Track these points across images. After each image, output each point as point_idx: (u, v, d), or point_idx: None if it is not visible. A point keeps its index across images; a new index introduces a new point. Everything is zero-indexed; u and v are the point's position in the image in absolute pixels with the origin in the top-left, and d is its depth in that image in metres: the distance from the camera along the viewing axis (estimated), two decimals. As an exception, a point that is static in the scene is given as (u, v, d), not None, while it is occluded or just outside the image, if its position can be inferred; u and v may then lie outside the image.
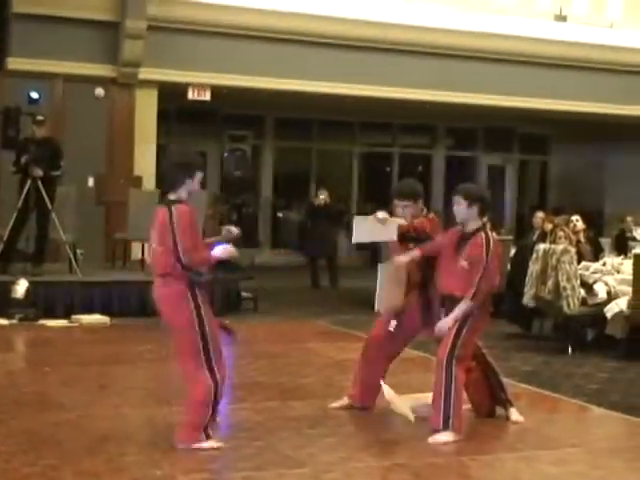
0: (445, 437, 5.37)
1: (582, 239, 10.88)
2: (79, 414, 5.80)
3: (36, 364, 7.73)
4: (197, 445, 5.00)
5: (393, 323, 5.94)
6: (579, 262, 9.29)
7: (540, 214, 12.37)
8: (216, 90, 14.26)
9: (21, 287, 9.76)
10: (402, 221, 5.88)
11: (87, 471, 4.65)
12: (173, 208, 5.06)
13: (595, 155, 19.43)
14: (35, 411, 5.88)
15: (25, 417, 5.70)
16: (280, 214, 19.15)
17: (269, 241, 18.54)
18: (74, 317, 9.82)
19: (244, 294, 11.47)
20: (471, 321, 5.51)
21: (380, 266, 6.01)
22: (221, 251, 5.20)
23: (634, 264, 8.80)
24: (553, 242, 9.77)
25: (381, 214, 5.89)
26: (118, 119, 13.67)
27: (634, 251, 9.96)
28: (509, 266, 10.09)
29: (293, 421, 5.77)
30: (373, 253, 12.87)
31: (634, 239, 14.29)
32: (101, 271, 11.43)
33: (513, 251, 10.59)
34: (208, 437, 5.06)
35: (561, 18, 16.22)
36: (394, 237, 5.83)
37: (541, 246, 9.23)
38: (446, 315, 5.55)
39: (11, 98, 12.01)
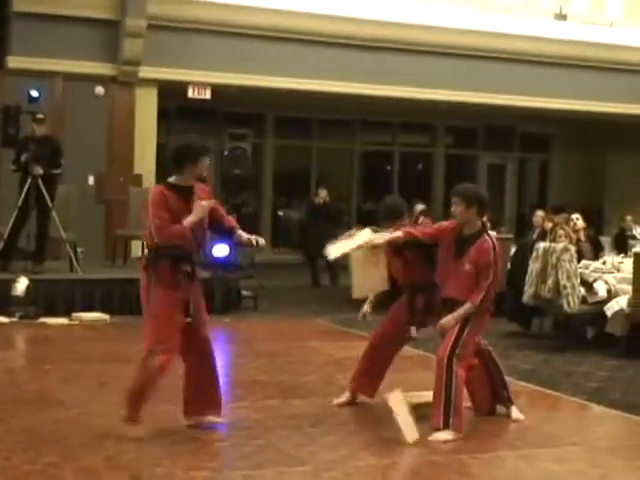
0: (445, 436, 5.37)
1: (582, 238, 10.87)
2: (79, 412, 5.80)
3: (36, 362, 7.74)
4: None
5: (413, 329, 5.98)
6: (579, 261, 9.29)
7: (540, 213, 12.36)
8: (216, 88, 14.26)
9: (21, 285, 9.76)
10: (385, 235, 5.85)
11: (87, 468, 4.65)
12: (151, 189, 5.16)
13: (595, 154, 19.43)
14: (35, 409, 5.88)
15: (25, 415, 5.71)
16: (280, 213, 19.16)
17: (269, 239, 18.53)
18: (74, 315, 9.83)
19: (244, 292, 11.47)
20: (473, 321, 5.52)
21: (351, 254, 5.91)
22: (194, 214, 5.14)
23: (634, 263, 8.81)
24: (553, 241, 9.76)
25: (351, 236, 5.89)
26: (118, 117, 13.67)
27: (634, 250, 9.97)
28: (509, 265, 10.09)
29: (293, 419, 5.77)
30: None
31: (634, 238, 14.30)
32: (101, 269, 11.44)
33: (513, 250, 10.59)
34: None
35: (561, 17, 16.21)
36: (367, 239, 5.80)
37: (541, 245, 9.23)
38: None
39: (11, 96, 12.01)
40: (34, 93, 12.71)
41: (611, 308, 8.77)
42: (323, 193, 14.43)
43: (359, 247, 5.78)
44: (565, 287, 8.70)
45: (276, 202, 18.88)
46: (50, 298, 10.04)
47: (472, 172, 19.67)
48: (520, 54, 15.59)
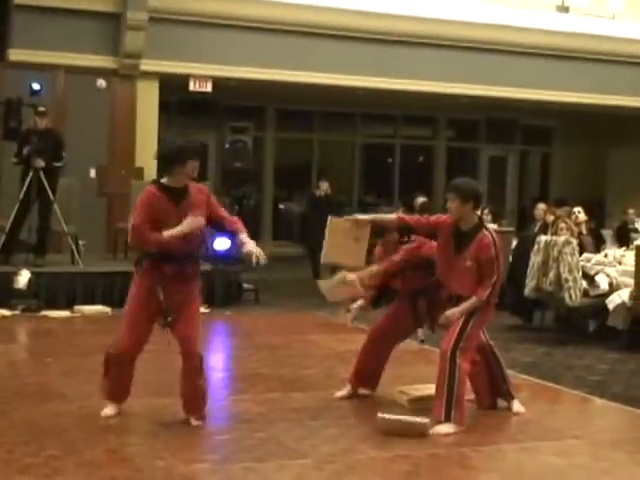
0: (447, 428, 5.37)
1: (584, 231, 10.87)
2: (81, 405, 5.81)
3: (38, 355, 7.74)
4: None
5: (420, 332, 5.99)
6: (581, 254, 9.29)
7: (542, 205, 12.35)
8: (217, 81, 14.24)
9: (23, 278, 9.77)
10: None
11: (88, 461, 4.66)
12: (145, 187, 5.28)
13: (597, 146, 19.40)
14: (37, 402, 5.89)
15: (27, 408, 5.71)
16: (281, 205, 19.15)
17: (270, 233, 18.54)
18: (76, 308, 9.84)
19: (245, 286, 11.48)
20: (478, 314, 5.51)
21: (329, 218, 5.84)
22: (181, 227, 5.18)
23: (636, 256, 8.80)
24: (555, 234, 9.76)
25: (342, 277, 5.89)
26: (119, 110, 13.66)
27: (636, 243, 9.96)
28: (511, 258, 10.08)
29: (294, 412, 5.77)
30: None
31: (636, 231, 14.28)
32: (103, 262, 11.45)
33: (514, 243, 10.58)
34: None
35: (563, 9, 16.18)
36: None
37: (543, 238, 9.23)
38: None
39: (13, 89, 11.99)
40: (36, 86, 12.69)
41: (613, 301, 8.77)
42: (324, 186, 14.42)
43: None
44: (567, 280, 8.69)
45: (277, 195, 18.87)
46: (52, 291, 10.05)
47: (473, 165, 19.67)
48: (522, 47, 15.57)
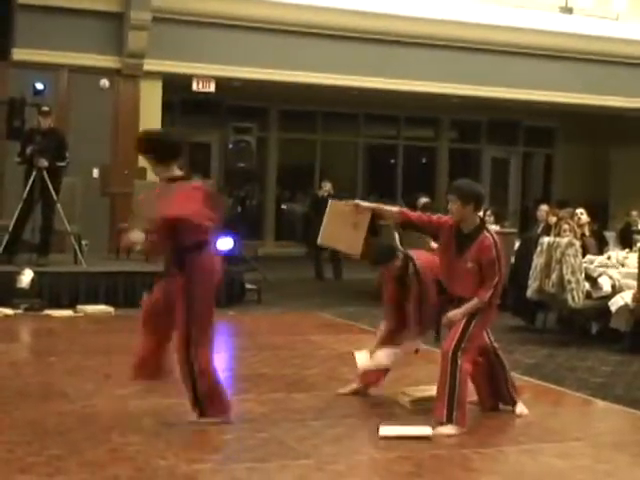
0: (448, 430, 5.37)
1: (587, 232, 10.87)
2: (83, 404, 5.81)
3: (41, 354, 7.75)
4: None
5: (419, 344, 6.00)
6: (583, 255, 9.28)
7: (544, 207, 12.36)
8: (220, 82, 14.26)
9: (26, 277, 9.78)
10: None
11: (91, 461, 4.66)
12: None
13: (600, 148, 19.40)
14: (39, 401, 5.89)
15: (29, 407, 5.71)
16: (284, 206, 19.16)
17: (273, 233, 18.55)
18: (79, 307, 9.84)
19: (248, 285, 11.48)
20: (480, 314, 5.51)
21: (330, 202, 5.90)
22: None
23: (639, 257, 8.80)
24: (557, 235, 9.76)
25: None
26: (123, 110, 13.68)
27: (639, 245, 9.95)
28: (513, 259, 10.08)
29: (297, 413, 5.78)
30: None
31: (639, 233, 14.27)
32: (106, 262, 11.45)
33: (517, 244, 10.57)
34: None
35: (567, 10, 16.18)
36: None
37: (545, 239, 9.22)
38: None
39: (16, 89, 12.00)
40: (39, 85, 12.70)
41: (615, 303, 8.76)
42: (327, 186, 14.44)
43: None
44: (569, 282, 8.69)
45: (280, 195, 18.89)
46: (55, 290, 10.06)
47: (476, 166, 19.67)
48: (526, 47, 15.57)
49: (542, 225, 11.66)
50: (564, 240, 9.02)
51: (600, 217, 15.93)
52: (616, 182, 19.50)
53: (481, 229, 5.58)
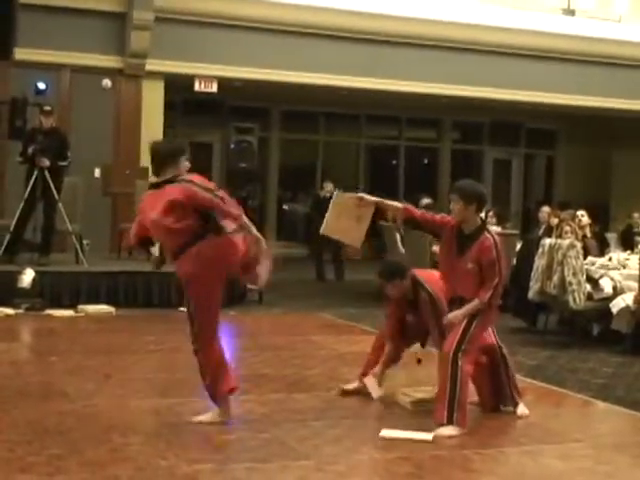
0: (449, 431, 5.36)
1: (588, 234, 10.86)
2: (84, 404, 5.81)
3: (41, 354, 7.75)
4: None
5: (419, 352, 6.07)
6: (585, 257, 9.28)
7: (546, 208, 12.35)
8: (223, 82, 14.26)
9: (27, 277, 9.78)
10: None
11: (91, 461, 4.66)
12: None
13: (602, 150, 19.39)
14: (40, 401, 5.89)
15: (30, 407, 5.71)
16: (286, 206, 19.15)
17: (274, 233, 18.55)
18: (80, 307, 9.85)
19: (249, 286, 11.46)
20: (481, 316, 5.50)
21: (335, 193, 5.96)
22: None
23: (640, 259, 8.81)
24: (559, 237, 9.75)
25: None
26: (125, 110, 13.68)
27: (640, 246, 9.96)
28: (514, 260, 10.08)
29: (298, 413, 5.77)
30: (378, 246, 12.88)
31: (640, 234, 14.27)
32: (107, 261, 11.46)
33: (519, 245, 10.57)
34: None
35: (569, 12, 16.18)
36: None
37: (547, 241, 9.22)
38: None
39: (18, 88, 12.01)
40: (41, 85, 12.72)
41: (617, 305, 8.76)
42: (329, 186, 14.43)
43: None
44: (571, 283, 8.68)
45: (282, 195, 18.88)
46: (56, 290, 10.06)
47: (478, 167, 19.66)
48: (528, 49, 15.57)
49: (544, 227, 11.65)
50: (565, 242, 9.01)
51: (601, 219, 15.92)
52: (617, 184, 19.48)
53: (482, 230, 5.58)
